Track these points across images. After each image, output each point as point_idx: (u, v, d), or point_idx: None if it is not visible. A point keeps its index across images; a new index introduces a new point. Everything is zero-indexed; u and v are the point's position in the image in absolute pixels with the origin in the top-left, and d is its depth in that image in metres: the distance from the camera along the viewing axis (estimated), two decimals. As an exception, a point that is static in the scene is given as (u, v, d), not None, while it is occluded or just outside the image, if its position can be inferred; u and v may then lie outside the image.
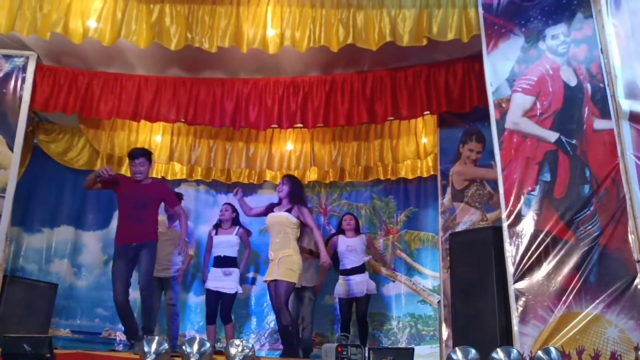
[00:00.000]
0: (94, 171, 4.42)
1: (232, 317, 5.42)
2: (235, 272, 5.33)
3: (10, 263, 5.96)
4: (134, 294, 4.45)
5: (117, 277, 4.27)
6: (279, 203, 4.78)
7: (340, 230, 5.71)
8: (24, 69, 4.84)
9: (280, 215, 4.61)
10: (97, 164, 6.34)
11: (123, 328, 4.43)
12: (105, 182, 4.42)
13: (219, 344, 5.53)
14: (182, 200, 5.60)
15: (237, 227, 5.54)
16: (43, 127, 6.09)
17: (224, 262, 5.36)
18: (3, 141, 4.66)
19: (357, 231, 5.66)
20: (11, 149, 4.66)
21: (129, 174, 6.47)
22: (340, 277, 5.48)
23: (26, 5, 4.38)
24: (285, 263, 4.41)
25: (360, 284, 5.35)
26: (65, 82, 5.01)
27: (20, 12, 4.37)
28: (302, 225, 4.71)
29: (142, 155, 4.53)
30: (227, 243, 5.44)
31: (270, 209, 4.77)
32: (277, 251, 4.49)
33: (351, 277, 5.40)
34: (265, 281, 4.64)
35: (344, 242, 5.54)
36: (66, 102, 5.00)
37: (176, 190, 6.80)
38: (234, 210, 5.58)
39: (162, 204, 4.89)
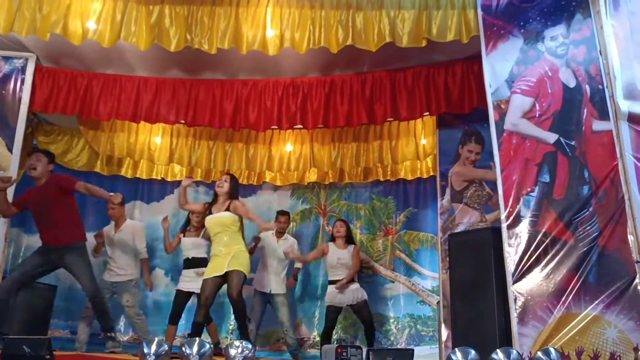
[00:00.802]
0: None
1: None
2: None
3: (10, 264, 5.96)
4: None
5: (19, 267, 4.24)
6: (214, 202, 4.70)
7: (332, 237, 5.69)
8: (23, 70, 4.84)
9: (221, 217, 4.55)
10: (97, 166, 6.35)
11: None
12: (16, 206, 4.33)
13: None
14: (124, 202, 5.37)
15: (204, 229, 5.42)
16: (42, 128, 6.09)
17: (194, 263, 5.39)
18: (2, 142, 4.66)
19: (347, 240, 5.58)
20: (10, 150, 4.66)
21: (129, 176, 6.54)
22: (331, 286, 5.45)
23: (25, 6, 4.38)
24: (238, 257, 4.42)
25: (352, 293, 5.37)
26: (65, 84, 5.01)
27: (19, 12, 4.37)
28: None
29: (40, 151, 4.49)
30: (193, 244, 5.46)
31: (207, 208, 4.70)
32: (230, 247, 4.44)
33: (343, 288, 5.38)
34: (206, 278, 4.46)
35: (334, 254, 5.48)
36: (65, 104, 5.00)
37: (175, 190, 6.85)
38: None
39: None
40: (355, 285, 5.43)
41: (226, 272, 4.38)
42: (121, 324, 6.34)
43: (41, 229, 4.33)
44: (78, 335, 5.15)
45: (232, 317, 6.03)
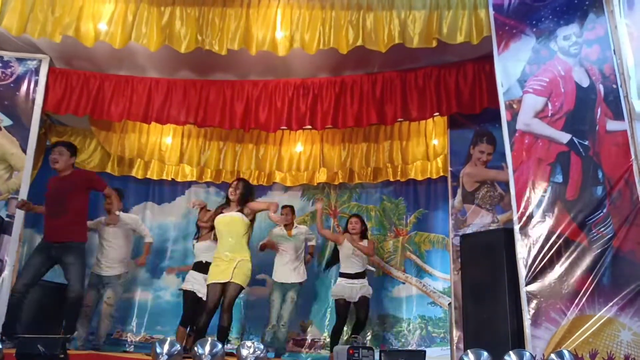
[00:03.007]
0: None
1: None
2: None
3: (23, 264, 6.00)
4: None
5: (25, 270, 4.26)
6: (227, 204, 4.64)
7: (346, 231, 5.68)
8: (36, 71, 4.88)
9: (232, 216, 4.48)
10: (108, 166, 6.39)
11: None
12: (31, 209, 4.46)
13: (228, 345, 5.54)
14: (122, 196, 5.41)
15: (213, 232, 5.40)
16: (55, 129, 6.14)
17: (206, 267, 5.40)
18: (16, 143, 4.70)
19: (362, 235, 5.59)
20: (24, 151, 4.70)
21: (139, 176, 6.58)
22: (342, 279, 5.45)
23: (38, 8, 4.42)
24: (241, 268, 4.36)
25: (362, 288, 5.38)
26: (77, 85, 5.05)
27: (32, 15, 4.41)
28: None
29: (62, 144, 4.52)
30: (207, 248, 5.45)
31: (219, 211, 4.64)
32: (234, 253, 4.38)
33: (355, 281, 5.39)
34: (212, 283, 4.41)
35: (350, 246, 5.50)
36: (78, 105, 5.03)
37: (186, 191, 6.88)
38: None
39: None
40: (365, 282, 5.44)
41: (226, 282, 4.34)
42: (133, 324, 6.37)
43: (49, 218, 4.35)
44: (79, 333, 5.18)
45: (240, 319, 6.10)
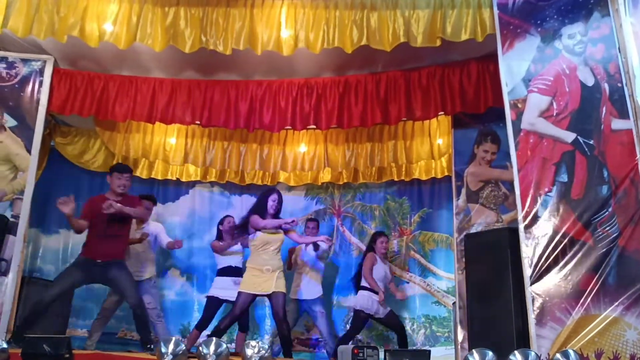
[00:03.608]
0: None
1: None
2: None
3: (28, 264, 6.04)
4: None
5: (60, 282, 4.35)
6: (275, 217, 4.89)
7: (371, 248, 5.62)
8: (41, 72, 4.89)
9: (278, 235, 4.81)
10: (113, 166, 6.40)
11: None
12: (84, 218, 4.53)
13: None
14: (155, 204, 5.71)
15: (241, 238, 5.51)
16: (60, 129, 6.16)
17: (232, 271, 5.43)
18: (21, 144, 4.71)
19: (385, 255, 5.69)
20: (29, 151, 4.71)
21: (144, 176, 6.60)
22: (365, 292, 5.38)
23: (43, 9, 4.43)
24: (282, 278, 4.71)
25: (382, 303, 5.37)
26: (82, 85, 5.06)
27: (37, 16, 4.42)
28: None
29: (128, 171, 4.72)
30: (232, 253, 5.50)
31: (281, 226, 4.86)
32: (276, 267, 4.70)
33: (374, 296, 5.34)
34: (247, 292, 4.67)
35: (382, 268, 5.49)
36: (82, 105, 5.04)
37: (190, 191, 6.89)
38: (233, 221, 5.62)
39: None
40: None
41: (272, 292, 4.61)
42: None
43: (98, 237, 4.44)
44: (91, 333, 5.20)
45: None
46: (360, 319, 5.36)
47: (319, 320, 5.60)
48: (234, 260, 5.52)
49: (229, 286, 5.34)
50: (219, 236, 5.67)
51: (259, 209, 4.85)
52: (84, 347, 5.08)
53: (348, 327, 5.80)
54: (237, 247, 5.60)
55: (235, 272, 5.46)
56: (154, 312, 5.25)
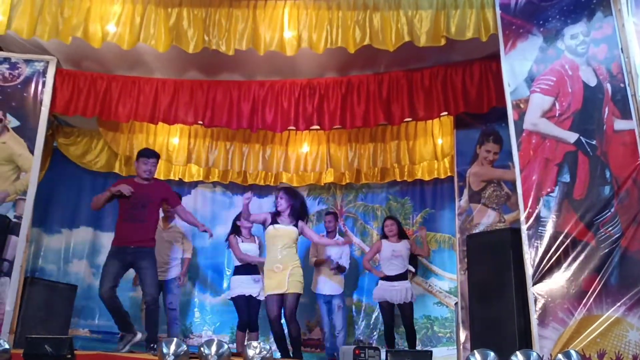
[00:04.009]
0: (111, 191, 4.41)
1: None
2: (261, 278, 5.30)
3: (30, 264, 6.06)
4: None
5: (106, 276, 4.32)
6: (278, 214, 4.75)
7: (384, 236, 5.63)
8: (44, 73, 4.90)
9: (288, 229, 4.66)
10: (115, 166, 6.42)
11: (115, 322, 4.43)
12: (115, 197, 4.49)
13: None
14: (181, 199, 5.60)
15: (257, 236, 5.60)
16: (63, 130, 6.18)
17: (251, 269, 5.41)
18: (24, 144, 4.72)
19: (400, 236, 5.58)
20: (32, 152, 4.72)
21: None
22: (383, 282, 5.40)
23: (47, 10, 4.43)
24: (294, 275, 4.53)
25: (403, 291, 5.33)
26: (85, 86, 5.07)
27: (41, 17, 4.43)
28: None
29: (155, 156, 4.66)
30: (250, 251, 5.48)
31: (273, 219, 4.72)
32: (287, 263, 4.54)
33: (395, 283, 5.34)
34: (270, 294, 4.56)
35: (389, 248, 5.46)
36: (85, 106, 5.05)
37: (192, 191, 6.89)
38: None
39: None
40: (407, 284, 5.39)
41: (284, 292, 4.51)
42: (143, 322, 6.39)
43: (126, 222, 4.42)
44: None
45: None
46: (384, 309, 5.37)
47: (336, 313, 5.64)
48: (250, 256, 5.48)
49: (250, 284, 5.33)
50: (236, 231, 5.58)
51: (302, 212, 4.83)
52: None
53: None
54: (252, 245, 5.56)
55: (251, 269, 5.40)
56: (173, 313, 5.27)
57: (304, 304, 5.76)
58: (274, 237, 4.65)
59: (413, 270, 5.72)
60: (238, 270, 5.46)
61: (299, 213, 4.76)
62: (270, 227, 4.68)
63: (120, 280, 4.39)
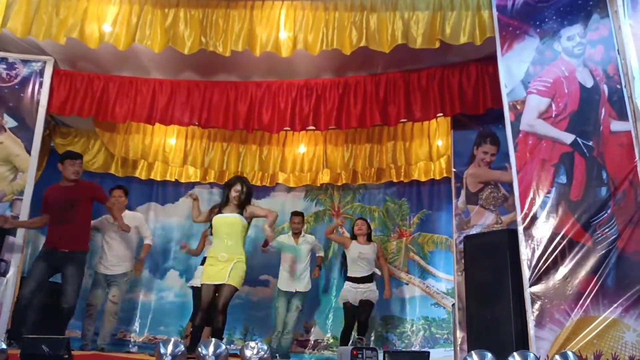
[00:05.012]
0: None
1: None
2: None
3: (27, 265, 6.03)
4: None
5: (30, 277, 4.35)
6: (226, 204, 4.50)
7: (353, 236, 5.72)
8: (41, 73, 4.89)
9: (233, 217, 4.40)
10: (112, 167, 6.41)
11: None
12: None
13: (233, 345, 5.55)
14: (127, 193, 5.59)
15: None
16: (60, 130, 6.16)
17: None
18: (21, 145, 4.72)
19: (369, 238, 5.67)
20: (29, 152, 4.72)
21: (143, 177, 6.60)
22: (348, 283, 5.48)
23: (43, 10, 4.44)
24: (237, 269, 4.27)
25: (367, 293, 5.40)
26: (82, 86, 5.06)
27: (37, 17, 4.43)
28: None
29: (80, 157, 4.71)
30: None
31: (217, 210, 4.51)
32: (232, 254, 4.29)
33: (360, 285, 5.42)
34: (207, 283, 4.29)
35: (356, 249, 5.54)
36: (82, 106, 5.05)
37: (189, 192, 6.87)
38: None
39: None
40: (372, 287, 5.46)
41: (222, 284, 4.25)
42: (136, 324, 6.39)
43: (53, 225, 4.45)
44: (84, 333, 5.19)
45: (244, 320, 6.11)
46: (347, 310, 5.42)
47: (292, 311, 5.62)
48: None
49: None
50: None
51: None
52: (81, 347, 5.05)
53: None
54: None
55: None
56: (114, 307, 5.22)
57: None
58: (218, 226, 4.41)
59: (379, 273, 5.74)
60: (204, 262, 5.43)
61: (246, 201, 4.50)
62: (216, 217, 4.46)
63: (42, 286, 4.35)
